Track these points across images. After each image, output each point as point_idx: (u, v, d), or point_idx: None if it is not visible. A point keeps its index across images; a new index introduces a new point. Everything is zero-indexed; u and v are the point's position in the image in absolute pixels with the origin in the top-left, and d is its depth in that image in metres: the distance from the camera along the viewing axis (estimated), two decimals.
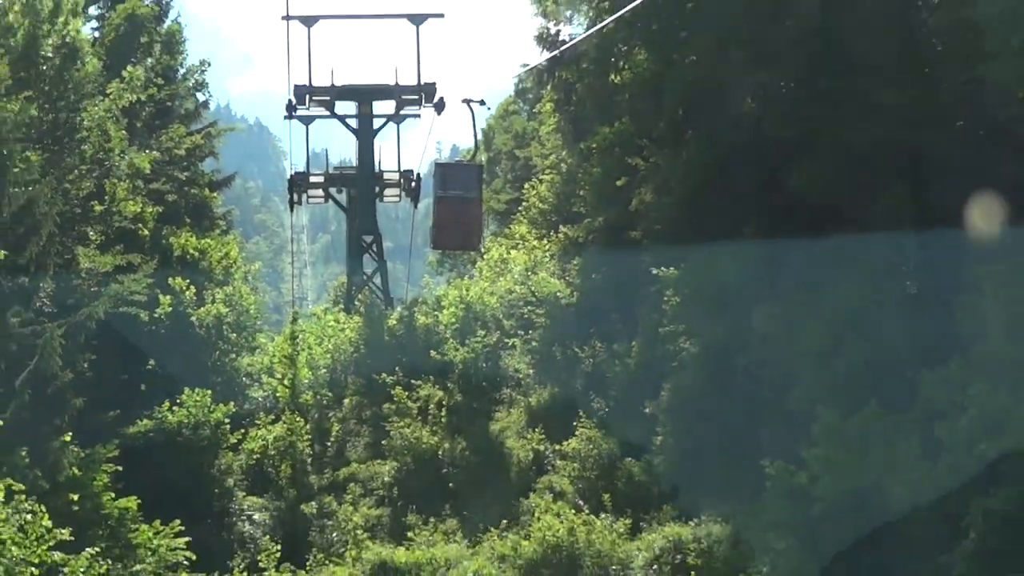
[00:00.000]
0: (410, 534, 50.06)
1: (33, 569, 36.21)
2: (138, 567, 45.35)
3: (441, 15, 78.67)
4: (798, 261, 46.78)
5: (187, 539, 47.93)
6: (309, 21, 69.34)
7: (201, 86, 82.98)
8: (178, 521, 48.04)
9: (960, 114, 44.22)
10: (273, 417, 59.67)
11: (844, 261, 44.83)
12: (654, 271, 50.40)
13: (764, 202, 47.28)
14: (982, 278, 38.11)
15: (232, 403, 57.91)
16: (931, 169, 43.60)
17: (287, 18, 69.64)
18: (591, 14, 55.92)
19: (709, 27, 49.50)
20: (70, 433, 47.56)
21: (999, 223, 38.87)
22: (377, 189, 72.80)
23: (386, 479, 54.30)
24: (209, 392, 56.50)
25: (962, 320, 39.24)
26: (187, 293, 63.88)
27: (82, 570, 38.92)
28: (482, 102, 66.19)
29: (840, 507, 37.42)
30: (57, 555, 37.95)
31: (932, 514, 35.65)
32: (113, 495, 46.92)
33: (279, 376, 61.43)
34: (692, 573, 43.21)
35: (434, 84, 69.49)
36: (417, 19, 71.37)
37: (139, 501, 47.58)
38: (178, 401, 57.60)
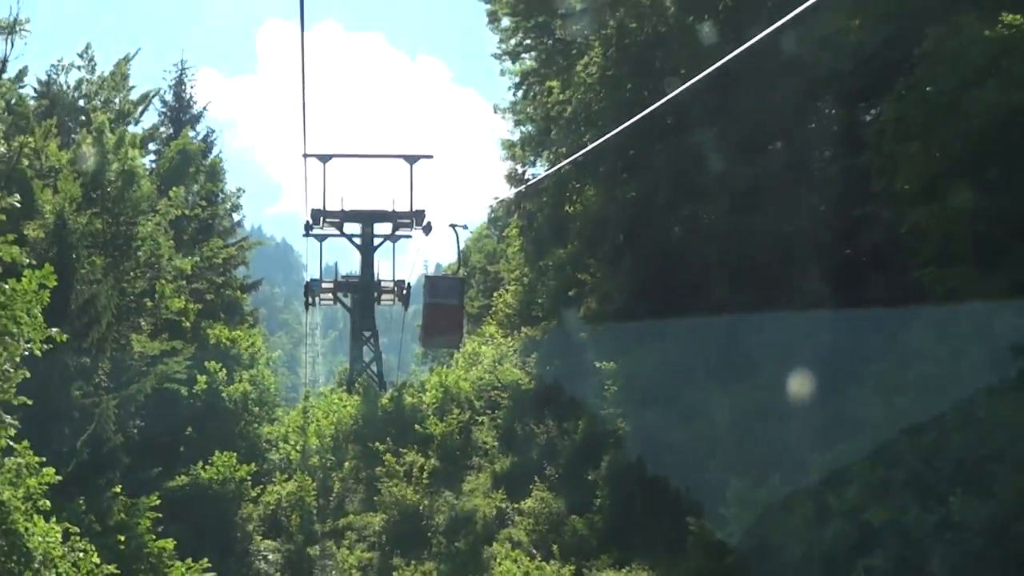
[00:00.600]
0: (395, 574, 48.44)
1: None
2: None
3: (431, 156, 79.08)
4: (713, 359, 45.99)
5: (213, 574, 46.89)
6: (324, 158, 69.57)
7: (236, 208, 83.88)
8: (206, 559, 47.57)
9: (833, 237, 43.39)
10: (286, 476, 58.86)
11: (751, 358, 44.38)
12: (597, 365, 49.92)
13: (687, 309, 46.68)
14: (866, 374, 37.71)
15: (253, 464, 56.93)
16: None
17: (306, 156, 69.36)
18: (551, 158, 55.45)
19: (645, 170, 49.13)
20: (120, 486, 47.35)
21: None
22: (375, 295, 72.91)
23: (376, 528, 53.56)
24: (235, 454, 55.97)
25: (851, 408, 38.26)
26: (220, 374, 62.82)
27: None
28: (465, 226, 67.84)
29: (749, 559, 36.59)
30: None
31: (824, 570, 34.63)
32: (154, 537, 46.14)
33: (292, 443, 61.08)
34: None
35: (423, 211, 70.36)
36: (411, 159, 71.90)
37: (175, 542, 46.96)
38: (210, 461, 56.88)
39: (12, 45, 41.55)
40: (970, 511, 30.40)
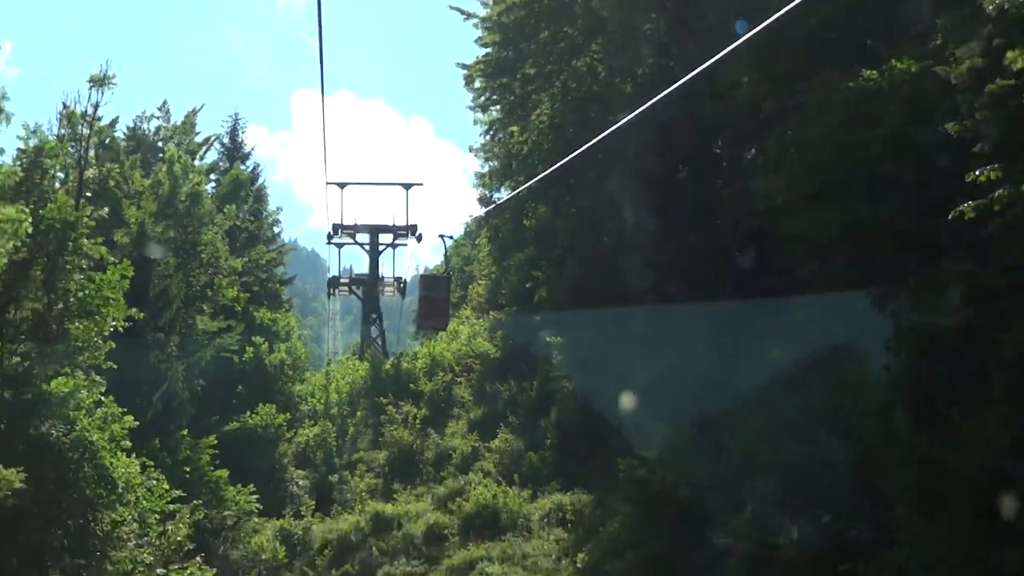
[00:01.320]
0: (395, 496, 48.32)
1: (156, 515, 34.86)
2: (226, 512, 44.26)
3: (421, 184, 79.69)
4: (636, 336, 45.92)
5: (257, 496, 46.85)
6: (341, 185, 70.27)
7: (276, 223, 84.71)
8: (252, 485, 47.30)
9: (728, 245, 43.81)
10: (313, 422, 58.67)
11: (663, 335, 44.34)
12: (547, 339, 49.92)
13: (616, 299, 46.60)
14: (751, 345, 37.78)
15: (288, 413, 56.45)
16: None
17: (327, 184, 69.90)
18: (511, 185, 55.39)
19: (583, 194, 49.23)
20: (186, 430, 47.97)
21: None
22: (380, 288, 72.90)
23: (381, 461, 54.02)
24: (274, 406, 55.59)
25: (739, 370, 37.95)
26: (263, 346, 62.22)
27: (188, 515, 37.95)
28: (451, 237, 68.75)
29: (666, 487, 35.93)
30: (174, 505, 37.27)
31: (725, 495, 34.16)
32: (212, 468, 46.26)
33: (317, 398, 60.98)
34: (568, 524, 42.40)
35: (416, 225, 72.13)
36: (407, 186, 72.69)
37: (228, 472, 47.16)
38: (255, 411, 56.67)
39: (102, 94, 40.81)
40: (834, 451, 30.02)
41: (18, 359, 33.93)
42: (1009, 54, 24.80)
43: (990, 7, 24.41)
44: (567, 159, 36.94)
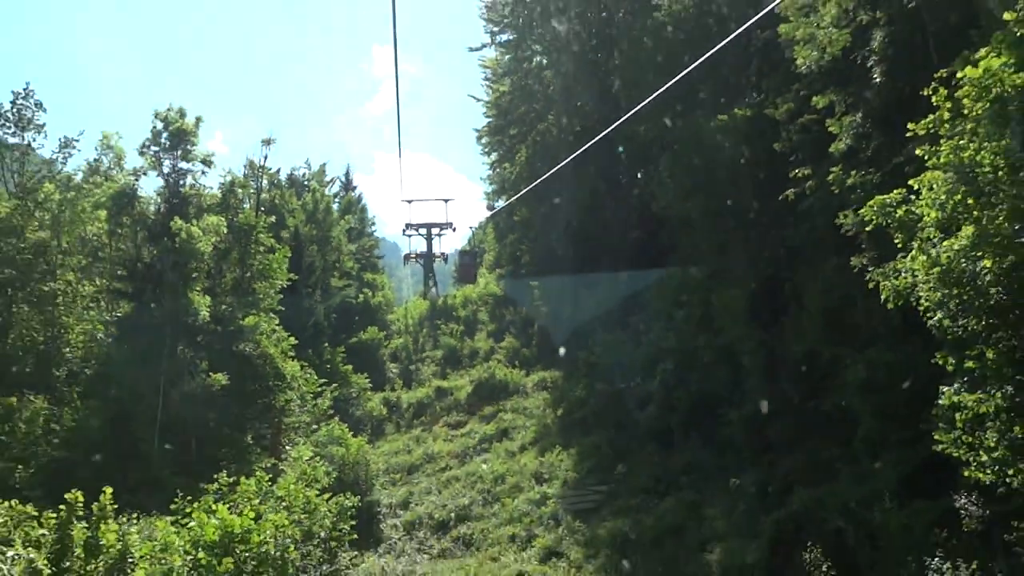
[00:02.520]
0: (448, 376, 46.75)
1: (310, 394, 34.13)
2: (351, 390, 42.93)
3: (453, 199, 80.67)
4: (581, 284, 43.74)
5: (369, 379, 44.77)
6: (410, 201, 66.32)
7: (372, 224, 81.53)
8: (365, 374, 44.89)
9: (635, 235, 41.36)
10: (399, 336, 55.78)
11: (590, 283, 41.91)
12: (530, 284, 47.68)
13: (566, 263, 44.95)
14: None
15: (384, 332, 53.98)
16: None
17: (403, 201, 67.76)
18: (506, 197, 54.06)
19: (546, 201, 47.33)
20: (327, 343, 45.55)
21: None
22: (432, 259, 69.91)
23: (438, 357, 50.77)
24: (376, 328, 52.56)
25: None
26: (368, 294, 58.79)
27: (329, 393, 37.49)
28: (472, 228, 67.69)
29: (604, 367, 34.00)
30: (320, 388, 36.54)
31: (641, 371, 32.07)
32: (341, 364, 44.45)
33: (400, 321, 57.83)
34: (548, 389, 40.55)
35: (452, 222, 68.00)
36: (446, 200, 69.09)
37: (351, 366, 44.55)
38: (366, 331, 52.28)
39: (269, 150, 38.94)
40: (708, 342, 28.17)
41: (225, 306, 32.15)
42: (815, 99, 22.82)
43: (802, 67, 22.34)
44: (535, 183, 37.24)
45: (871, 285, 16.66)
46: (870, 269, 19.54)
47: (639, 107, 23.73)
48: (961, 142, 13.56)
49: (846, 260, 21.64)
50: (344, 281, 55.34)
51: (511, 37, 52.62)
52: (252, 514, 13.76)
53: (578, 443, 32.34)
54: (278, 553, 13.64)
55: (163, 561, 10.24)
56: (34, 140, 33.66)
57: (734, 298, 27.54)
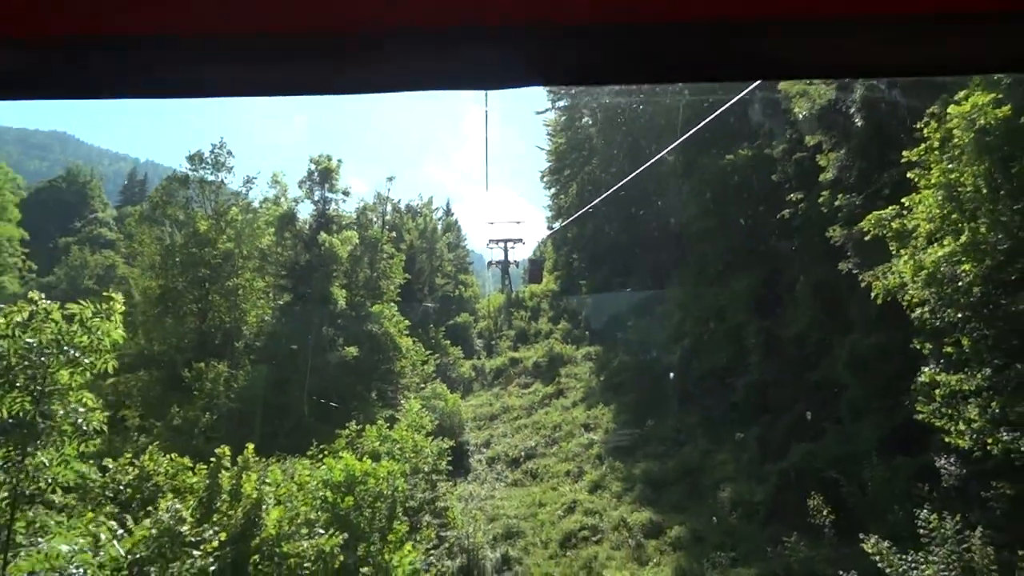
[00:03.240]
0: (519, 350, 43.98)
1: (420, 362, 31.88)
2: (448, 359, 40.37)
3: (524, 221, 78.03)
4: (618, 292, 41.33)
5: (462, 352, 42.51)
6: (492, 224, 64.39)
7: (465, 239, 79.69)
8: (460, 347, 42.68)
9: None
10: (483, 319, 53.36)
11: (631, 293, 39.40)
12: (580, 282, 45.38)
13: (611, 275, 42.59)
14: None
15: (473, 316, 52.16)
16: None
17: (488, 223, 65.69)
18: (562, 222, 52.11)
19: (592, 226, 45.00)
20: (432, 325, 42.18)
21: None
22: (507, 265, 68.32)
23: (512, 336, 48.10)
24: (467, 313, 51.29)
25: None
26: (462, 288, 57.71)
27: (433, 361, 34.35)
28: (543, 241, 64.28)
29: (636, 344, 31.92)
30: (427, 357, 33.40)
31: (663, 348, 29.91)
32: (444, 340, 42.05)
33: (483, 308, 55.70)
34: (594, 360, 37.34)
35: (522, 238, 66.14)
36: (517, 222, 67.37)
37: (450, 342, 42.34)
38: (460, 316, 50.90)
39: (392, 183, 37.82)
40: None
41: (359, 298, 30.81)
42: (807, 138, 20.66)
43: (800, 115, 20.18)
44: (582, 211, 36.56)
45: (863, 285, 14.65)
46: (856, 272, 17.55)
47: (660, 155, 22.35)
48: (950, 166, 11.53)
49: (831, 265, 19.58)
50: (444, 280, 54.17)
51: (567, 104, 50.95)
52: (370, 461, 12.34)
53: (616, 401, 30.38)
54: (390, 492, 12.20)
55: (290, 507, 8.91)
56: (225, 178, 33.37)
57: (738, 293, 25.48)
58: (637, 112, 42.97)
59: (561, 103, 51.45)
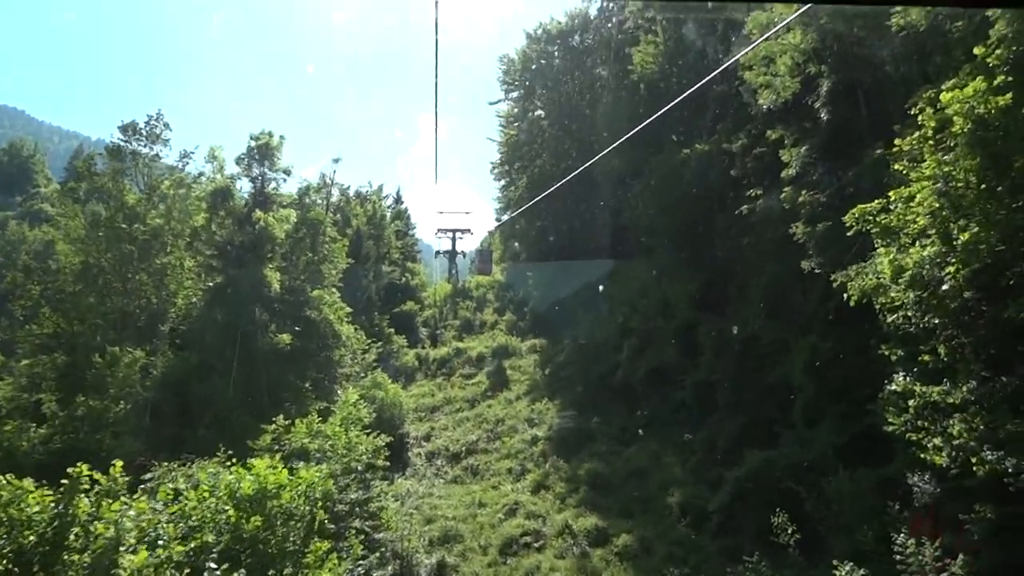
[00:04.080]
0: (463, 340, 41.86)
1: (360, 351, 29.63)
2: (392, 347, 38.40)
3: (472, 212, 75.85)
4: (556, 274, 39.94)
5: (406, 339, 40.60)
6: (442, 213, 61.70)
7: (413, 227, 76.64)
8: (405, 335, 40.89)
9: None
10: (429, 308, 51.00)
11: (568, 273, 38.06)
12: (527, 274, 43.98)
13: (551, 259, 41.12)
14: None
15: (420, 304, 49.50)
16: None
17: (437, 212, 63.01)
18: (510, 213, 50.41)
19: (536, 218, 43.54)
20: (376, 312, 40.72)
21: None
22: (455, 255, 65.98)
23: (457, 325, 45.79)
24: (414, 301, 48.78)
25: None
26: (409, 275, 54.95)
27: (375, 349, 32.10)
28: (491, 232, 61.80)
29: (584, 342, 30.22)
30: (368, 345, 31.13)
31: (609, 344, 28.32)
32: (387, 327, 39.96)
33: (430, 296, 53.13)
34: (539, 351, 35.79)
35: (471, 228, 62.71)
36: (467, 212, 65.27)
37: (394, 330, 39.76)
38: (406, 303, 47.97)
39: (338, 165, 35.16)
40: (665, 324, 24.49)
41: (298, 282, 28.18)
42: (769, 133, 19.21)
43: (763, 106, 18.66)
44: (532, 202, 36.18)
45: (835, 284, 13.15)
46: (817, 271, 16.14)
47: (611, 148, 20.77)
48: (945, 157, 10.03)
49: (788, 263, 18.19)
50: (391, 268, 51.54)
51: (520, 94, 48.97)
52: (286, 472, 10.16)
53: (560, 396, 28.67)
54: (307, 508, 10.05)
55: (157, 551, 6.53)
56: (161, 151, 30.22)
57: (687, 290, 24.04)
58: (593, 105, 41.23)
59: (515, 94, 49.36)
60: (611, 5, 43.91)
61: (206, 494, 9.18)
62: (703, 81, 16.82)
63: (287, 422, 17.44)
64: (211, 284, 25.67)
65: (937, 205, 9.82)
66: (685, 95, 18.73)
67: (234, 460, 10.82)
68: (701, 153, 23.52)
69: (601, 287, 34.95)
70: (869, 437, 14.33)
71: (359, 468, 17.90)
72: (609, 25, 43.32)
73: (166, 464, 12.81)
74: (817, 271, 15.75)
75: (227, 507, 9.28)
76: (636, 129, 20.50)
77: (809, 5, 14.97)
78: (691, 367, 22.37)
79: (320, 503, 10.29)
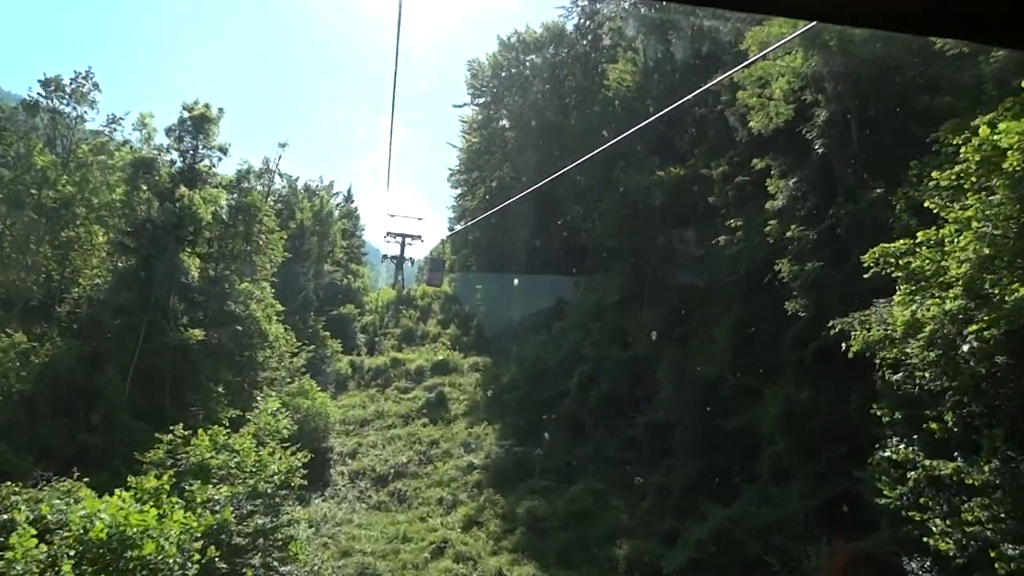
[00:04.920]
0: (403, 351, 39.40)
1: (288, 353, 26.65)
2: (326, 352, 35.49)
3: (424, 218, 73.41)
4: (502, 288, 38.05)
5: (341, 345, 37.88)
6: (393, 216, 58.99)
7: (362, 229, 73.68)
8: (340, 340, 38.19)
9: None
10: (370, 314, 48.27)
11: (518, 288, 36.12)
12: (476, 287, 42.20)
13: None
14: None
15: (360, 308, 47.06)
16: None
17: (388, 215, 60.28)
18: (464, 224, 48.48)
19: (491, 230, 41.94)
20: (312, 314, 37.72)
21: None
22: (402, 261, 63.38)
23: (398, 334, 43.10)
24: (354, 305, 46.34)
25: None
26: (353, 279, 52.25)
27: (305, 354, 29.73)
28: (444, 240, 59.27)
29: (532, 365, 28.09)
30: (298, 348, 28.25)
31: (558, 369, 26.41)
32: (323, 332, 37.01)
33: (373, 303, 50.36)
34: (480, 371, 33.39)
35: (422, 235, 60.56)
36: (419, 219, 63.26)
37: (330, 334, 37.13)
38: (346, 307, 45.47)
39: (283, 150, 32.47)
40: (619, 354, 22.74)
41: (225, 272, 25.35)
42: (755, 161, 17.78)
43: (754, 130, 17.23)
44: (482, 216, 35.61)
45: (833, 332, 11.60)
46: (802, 313, 14.66)
47: (579, 162, 19.08)
48: (993, 198, 8.56)
49: (762, 301, 16.75)
50: (334, 267, 48.68)
51: (486, 100, 47.18)
52: (155, 511, 7.79)
53: (502, 421, 26.57)
54: (179, 562, 7.70)
55: None
56: (87, 113, 26.95)
57: (647, 318, 22.44)
58: (562, 117, 39.66)
59: (481, 99, 47.51)
60: (587, 23, 42.82)
61: (33, 540, 6.76)
62: (684, 100, 15.28)
63: (187, 432, 14.87)
64: (121, 265, 22.65)
65: (988, 251, 8.27)
66: (662, 113, 17.07)
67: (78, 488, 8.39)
68: (675, 176, 22.04)
69: (555, 306, 33.21)
70: (847, 503, 12.84)
71: (268, 491, 15.46)
72: (585, 42, 42.17)
73: (10, 484, 10.12)
74: (802, 314, 14.26)
75: (67, 560, 6.88)
76: (607, 145, 18.78)
77: (813, 24, 13.65)
78: (646, 403, 20.69)
79: (195, 559, 7.93)
